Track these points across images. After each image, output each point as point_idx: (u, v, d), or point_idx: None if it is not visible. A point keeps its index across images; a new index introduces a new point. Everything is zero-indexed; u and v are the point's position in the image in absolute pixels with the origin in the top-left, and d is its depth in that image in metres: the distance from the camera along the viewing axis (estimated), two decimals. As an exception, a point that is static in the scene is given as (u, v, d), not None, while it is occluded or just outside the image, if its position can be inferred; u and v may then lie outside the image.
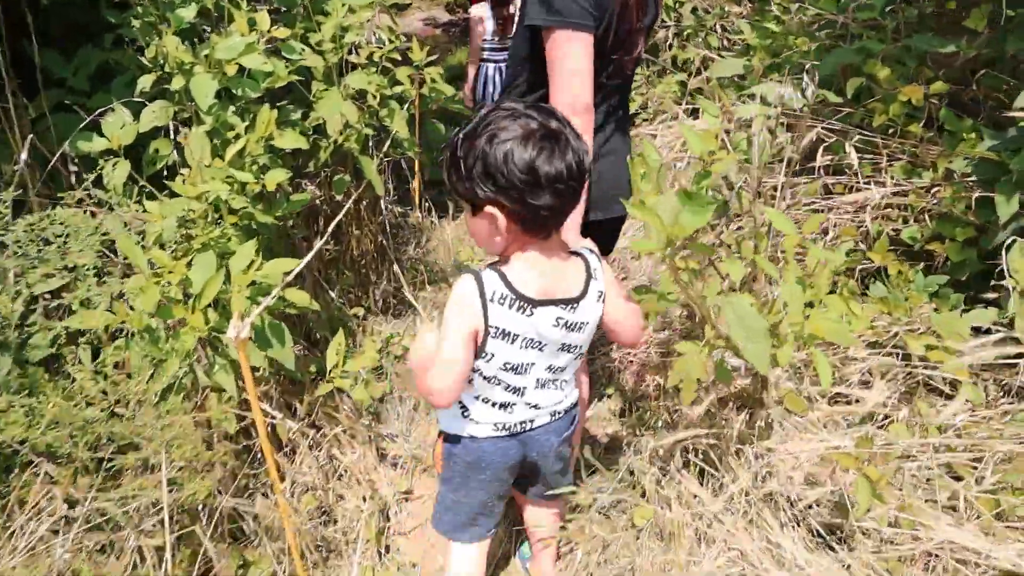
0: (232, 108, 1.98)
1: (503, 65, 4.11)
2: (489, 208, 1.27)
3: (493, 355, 1.36)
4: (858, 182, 2.47)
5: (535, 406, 1.47)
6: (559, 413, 1.52)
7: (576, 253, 1.42)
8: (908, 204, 2.43)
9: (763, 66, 2.88)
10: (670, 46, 4.40)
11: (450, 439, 1.52)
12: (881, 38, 2.58)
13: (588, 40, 1.52)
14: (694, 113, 3.81)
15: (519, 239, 1.32)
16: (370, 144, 2.66)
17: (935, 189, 2.40)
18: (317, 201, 2.74)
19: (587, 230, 1.67)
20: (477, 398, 1.45)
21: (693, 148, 1.69)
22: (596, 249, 1.49)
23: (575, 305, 1.37)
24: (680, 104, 4.02)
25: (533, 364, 1.41)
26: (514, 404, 1.45)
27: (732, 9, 4.01)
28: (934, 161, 2.39)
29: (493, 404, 1.45)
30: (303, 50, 2.26)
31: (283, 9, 2.54)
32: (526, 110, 1.25)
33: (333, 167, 2.68)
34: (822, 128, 2.50)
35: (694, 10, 4.36)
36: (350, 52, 2.59)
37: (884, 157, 2.49)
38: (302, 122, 2.42)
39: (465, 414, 1.47)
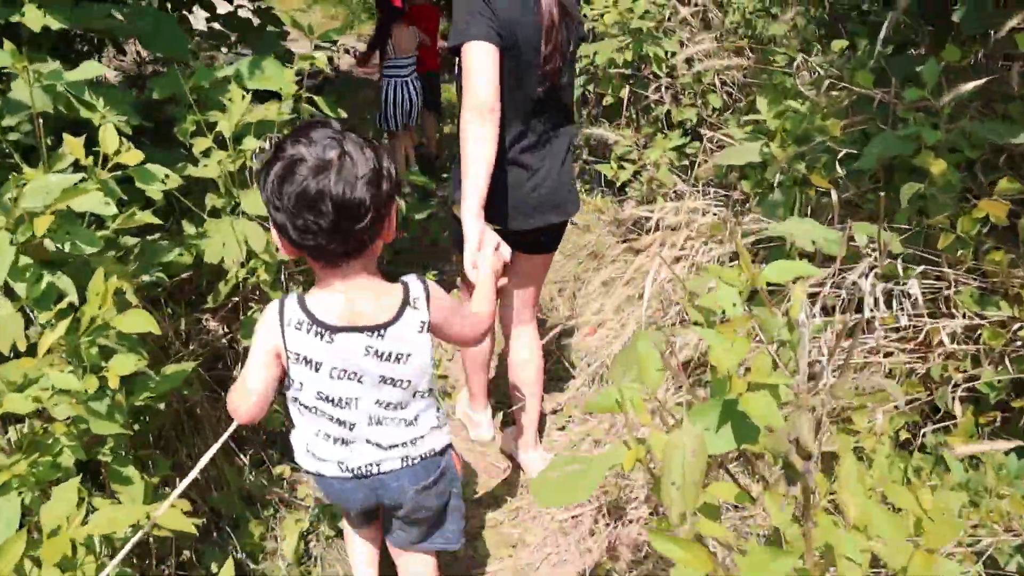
0: (49, 275, 1.38)
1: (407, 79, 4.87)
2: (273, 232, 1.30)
3: (302, 383, 1.36)
4: (917, 318, 1.90)
5: (377, 444, 1.41)
6: (412, 459, 1.45)
7: (401, 282, 1.38)
8: (981, 343, 1.86)
9: (786, 154, 2.31)
10: (659, 100, 3.85)
11: (307, 473, 1.49)
12: (935, 123, 2.02)
13: (491, 50, 1.73)
14: (693, 185, 3.23)
15: (316, 267, 1.32)
16: (283, 272, 2.06)
17: (1018, 327, 1.83)
18: (223, 340, 2.15)
19: (512, 239, 1.81)
20: (317, 434, 1.42)
21: (719, 365, 1.13)
22: (429, 280, 1.43)
23: (381, 333, 1.32)
24: (677, 174, 3.46)
25: (357, 398, 1.37)
26: (351, 441, 1.41)
27: (733, 62, 3.46)
28: (1018, 292, 1.83)
29: (327, 437, 1.41)
30: (167, 176, 1.66)
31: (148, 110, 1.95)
32: (301, 138, 1.22)
33: (243, 296, 2.10)
34: (870, 257, 1.92)
35: (689, 61, 3.81)
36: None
37: (950, 283, 1.92)
38: (186, 252, 1.83)
39: (308, 449, 1.45)
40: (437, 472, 1.49)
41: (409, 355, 1.35)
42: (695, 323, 1.34)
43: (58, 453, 1.41)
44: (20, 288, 1.39)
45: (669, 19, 3.90)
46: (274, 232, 1.29)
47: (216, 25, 3.05)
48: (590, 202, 4.37)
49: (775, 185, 2.44)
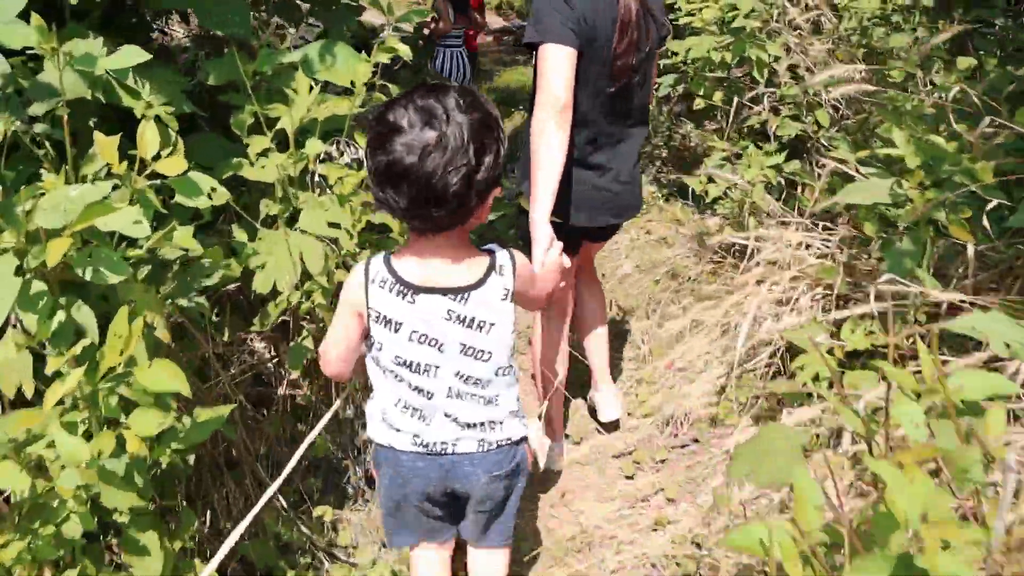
0: (62, 314, 1.12)
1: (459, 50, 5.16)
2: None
3: (382, 344, 1.33)
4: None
5: (455, 420, 1.37)
6: (490, 444, 1.40)
7: (487, 250, 1.35)
8: None
9: (925, 200, 1.95)
10: (757, 109, 3.48)
11: (378, 451, 1.45)
12: None
13: (568, 52, 1.74)
14: (797, 212, 2.87)
15: (409, 231, 1.32)
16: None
17: None
18: (269, 364, 1.89)
19: (569, 234, 1.87)
20: (396, 404, 1.37)
21: (895, 509, 0.85)
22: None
23: (465, 296, 1.29)
24: (773, 194, 3.10)
25: (438, 367, 1.33)
26: (426, 413, 1.36)
27: (848, 73, 3.06)
28: None
29: (405, 407, 1.37)
30: (214, 190, 1.39)
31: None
32: (411, 103, 1.19)
33: (293, 316, 1.84)
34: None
35: (793, 68, 3.43)
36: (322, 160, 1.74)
37: None
38: (234, 263, 1.57)
39: (384, 418, 1.40)
40: (512, 464, 1.44)
41: (492, 324, 1.32)
42: (868, 451, 1.03)
43: (63, 520, 1.17)
44: (30, 321, 1.13)
45: (776, 20, 3.52)
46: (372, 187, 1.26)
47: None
48: (668, 210, 4.03)
49: (902, 228, 2.09)
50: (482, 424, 1.38)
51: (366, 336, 1.35)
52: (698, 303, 2.76)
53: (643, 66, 1.93)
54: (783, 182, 3.19)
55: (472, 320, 1.30)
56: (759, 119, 3.47)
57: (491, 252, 1.34)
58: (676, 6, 3.90)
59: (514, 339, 1.36)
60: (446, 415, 1.36)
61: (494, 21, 9.35)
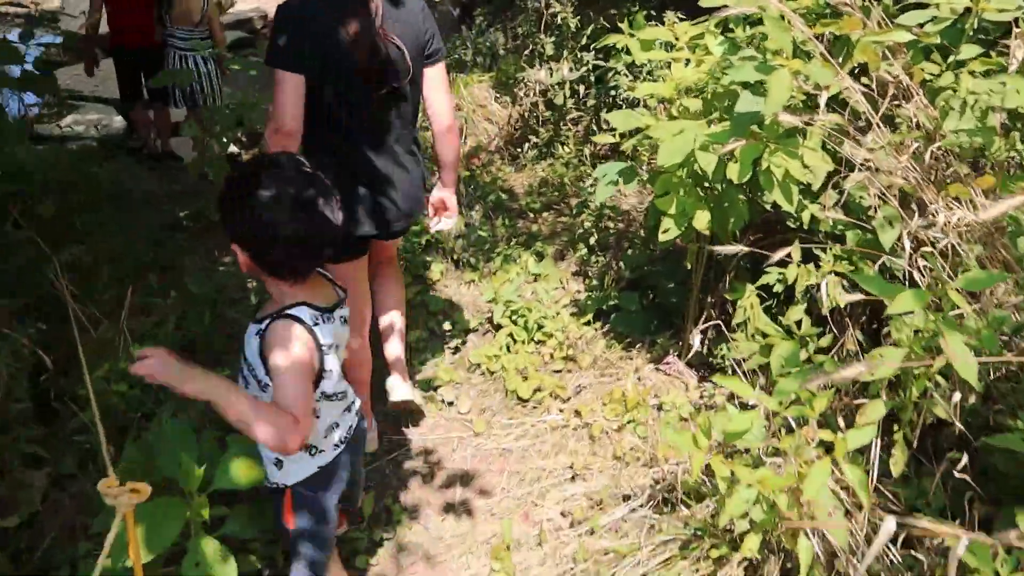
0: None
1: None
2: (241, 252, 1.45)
3: (331, 370, 1.50)
4: None
5: (354, 401, 1.67)
6: (357, 410, 1.70)
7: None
8: None
9: None
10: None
11: (300, 485, 1.59)
12: None
13: (293, 78, 1.92)
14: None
15: (281, 279, 1.47)
16: None
17: None
18: None
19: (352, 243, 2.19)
20: (324, 431, 1.58)
21: None
22: None
23: (343, 302, 1.57)
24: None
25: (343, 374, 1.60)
26: (339, 421, 1.61)
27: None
28: None
29: (333, 426, 1.60)
30: None
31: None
32: (281, 173, 1.41)
33: None
34: None
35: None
36: None
37: None
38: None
39: (312, 453, 1.57)
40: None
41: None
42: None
43: None
44: None
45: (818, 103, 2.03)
46: (243, 252, 1.42)
47: None
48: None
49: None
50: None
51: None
52: None
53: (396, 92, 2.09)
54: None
55: (346, 318, 1.62)
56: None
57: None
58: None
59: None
60: (347, 408, 1.67)
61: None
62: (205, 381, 1.29)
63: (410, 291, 3.31)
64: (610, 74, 4.33)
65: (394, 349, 2.56)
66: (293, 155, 1.48)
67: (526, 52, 6.54)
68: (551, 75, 4.57)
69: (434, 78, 2.16)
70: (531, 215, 4.22)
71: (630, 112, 2.52)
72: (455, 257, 3.75)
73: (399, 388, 2.56)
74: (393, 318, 2.55)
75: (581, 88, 4.60)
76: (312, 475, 1.57)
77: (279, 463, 1.56)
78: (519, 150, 4.93)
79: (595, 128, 4.52)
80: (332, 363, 1.48)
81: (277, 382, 1.36)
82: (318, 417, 1.52)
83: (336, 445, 1.60)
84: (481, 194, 4.36)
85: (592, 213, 3.85)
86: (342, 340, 1.54)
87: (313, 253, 1.42)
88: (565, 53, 4.73)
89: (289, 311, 1.41)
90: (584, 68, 4.57)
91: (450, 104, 2.22)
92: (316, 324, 1.42)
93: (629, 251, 3.51)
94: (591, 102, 4.59)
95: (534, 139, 4.80)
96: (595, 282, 3.50)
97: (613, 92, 4.37)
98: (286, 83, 1.89)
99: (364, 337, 2.39)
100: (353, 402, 1.66)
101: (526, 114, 4.76)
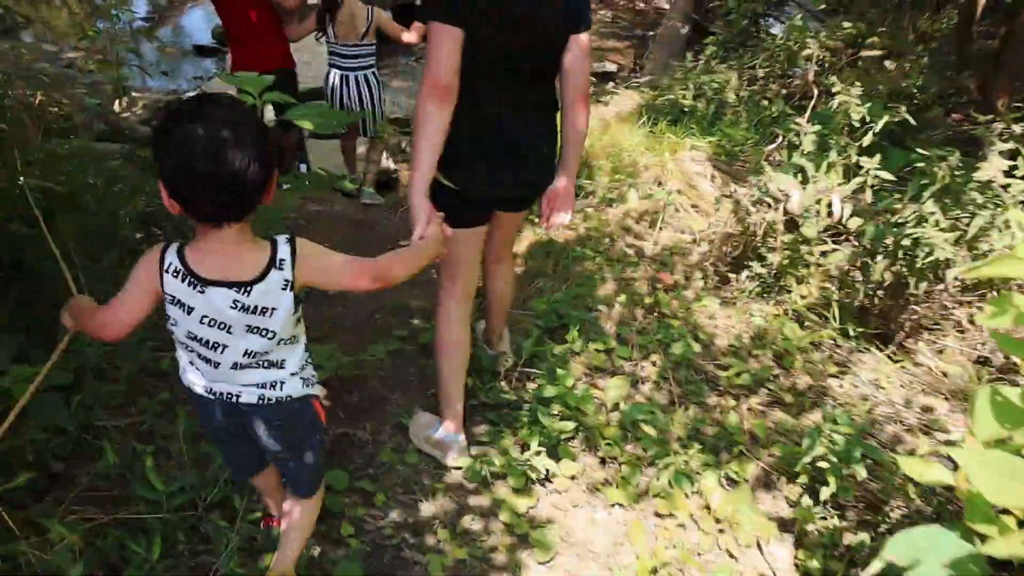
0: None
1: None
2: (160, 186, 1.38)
3: (176, 321, 1.49)
4: None
5: (238, 383, 1.56)
6: (269, 399, 1.58)
7: (270, 241, 1.48)
8: None
9: None
10: None
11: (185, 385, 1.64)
12: None
13: (452, 32, 1.82)
14: None
15: (196, 224, 1.42)
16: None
17: None
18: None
19: (474, 203, 2.10)
20: (192, 362, 1.57)
21: None
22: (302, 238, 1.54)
23: (248, 289, 1.44)
24: None
25: (226, 347, 1.50)
26: (214, 374, 1.55)
27: None
28: None
29: (193, 365, 1.58)
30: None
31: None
32: (196, 108, 1.34)
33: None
34: None
35: None
36: None
37: None
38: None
39: (185, 369, 1.61)
40: (291, 419, 1.64)
41: (274, 309, 1.48)
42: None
43: None
44: None
45: None
46: (161, 186, 1.37)
47: None
48: None
49: None
50: (263, 384, 1.57)
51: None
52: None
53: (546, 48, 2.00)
54: None
55: (255, 307, 1.46)
56: None
57: (274, 244, 1.47)
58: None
59: (299, 310, 1.53)
60: (227, 381, 1.56)
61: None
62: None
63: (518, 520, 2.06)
64: (923, 207, 2.81)
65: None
66: (232, 97, 1.44)
67: (770, 127, 5.05)
68: (803, 186, 3.10)
69: (578, 44, 2.04)
70: (729, 392, 2.79)
71: None
72: (599, 453, 2.42)
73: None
74: (502, 306, 2.62)
75: (850, 217, 3.08)
76: (188, 387, 1.65)
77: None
78: (733, 275, 3.50)
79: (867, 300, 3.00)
80: (176, 314, 1.48)
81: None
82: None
83: (206, 390, 1.59)
84: (663, 337, 2.99)
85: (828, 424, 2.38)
86: (217, 315, 1.46)
87: (204, 192, 1.35)
88: (833, 154, 3.24)
89: (167, 244, 1.46)
90: (863, 181, 3.08)
91: (587, 74, 2.09)
92: (172, 275, 1.44)
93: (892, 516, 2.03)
94: (880, 264, 3.05)
95: (757, 267, 3.35)
96: (818, 556, 2.07)
97: (918, 249, 2.82)
98: (443, 36, 1.82)
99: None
100: (239, 391, 1.58)
101: (754, 228, 3.32)
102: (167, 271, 1.42)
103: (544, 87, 2.07)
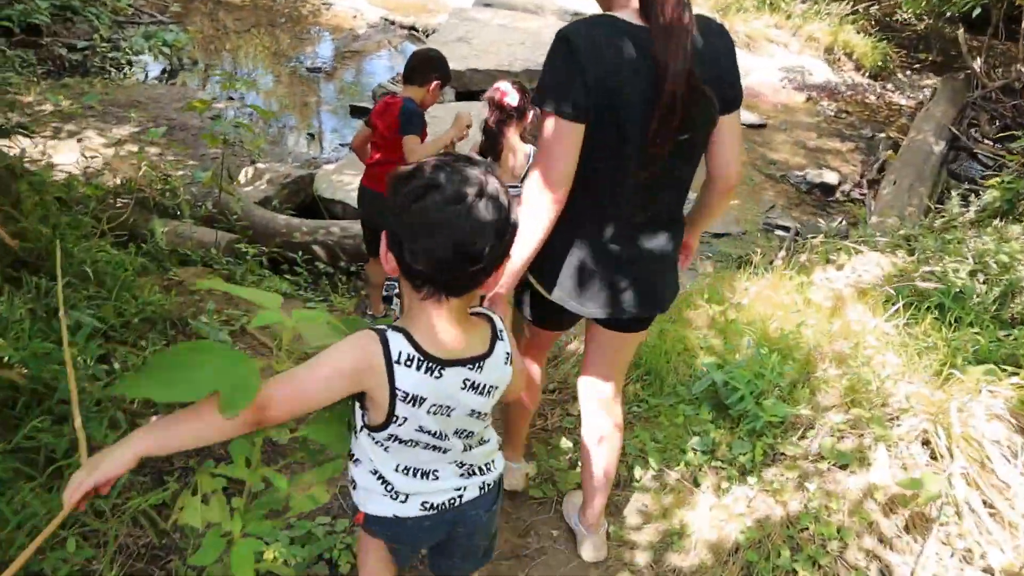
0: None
1: None
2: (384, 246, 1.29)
3: (406, 419, 1.33)
4: None
5: (463, 468, 1.46)
6: (488, 484, 1.51)
7: (479, 313, 1.41)
8: None
9: None
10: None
11: (371, 520, 1.47)
12: None
13: (574, 129, 1.60)
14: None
15: (415, 297, 1.30)
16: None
17: None
18: None
19: (539, 300, 1.90)
20: (397, 468, 1.41)
21: None
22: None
23: (480, 365, 1.35)
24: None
25: (445, 432, 1.38)
26: (438, 471, 1.43)
27: None
28: None
29: (415, 473, 1.41)
30: None
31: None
32: (446, 166, 1.25)
33: None
34: None
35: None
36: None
37: None
38: None
39: (388, 489, 1.42)
40: (500, 495, 1.57)
41: (496, 388, 1.39)
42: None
43: None
44: None
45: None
46: (385, 246, 1.28)
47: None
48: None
49: None
50: (481, 468, 1.48)
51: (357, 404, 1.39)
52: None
53: (683, 150, 1.71)
54: None
55: (484, 386, 1.36)
56: None
57: (487, 317, 1.40)
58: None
59: None
60: (457, 464, 1.44)
61: None
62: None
63: None
64: None
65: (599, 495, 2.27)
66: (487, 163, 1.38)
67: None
68: None
69: (728, 128, 1.75)
70: None
71: None
72: None
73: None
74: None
75: None
76: (385, 518, 1.45)
77: (353, 483, 1.48)
78: None
79: None
80: (406, 411, 1.31)
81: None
82: (358, 461, 1.43)
83: (423, 506, 1.44)
84: None
85: None
86: (447, 400, 1.33)
87: (453, 255, 1.22)
88: None
89: (384, 327, 1.31)
90: None
91: (739, 160, 1.80)
92: (406, 365, 1.27)
93: None
94: None
95: None
96: None
97: None
98: (564, 133, 1.59)
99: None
100: (463, 485, 1.47)
101: None
102: (399, 362, 1.27)
103: (683, 175, 1.81)
